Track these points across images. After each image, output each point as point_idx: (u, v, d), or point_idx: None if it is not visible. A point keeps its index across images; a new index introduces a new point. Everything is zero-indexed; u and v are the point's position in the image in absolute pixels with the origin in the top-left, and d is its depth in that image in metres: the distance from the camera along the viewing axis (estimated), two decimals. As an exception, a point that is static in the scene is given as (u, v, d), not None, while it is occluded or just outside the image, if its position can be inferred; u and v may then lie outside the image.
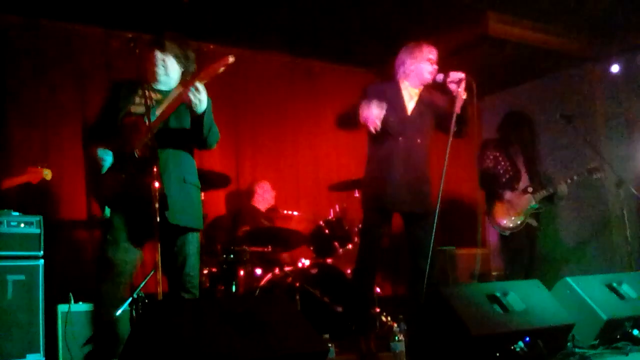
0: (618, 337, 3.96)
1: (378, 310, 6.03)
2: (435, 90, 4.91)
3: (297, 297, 5.38)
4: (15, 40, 6.19)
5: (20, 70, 6.12)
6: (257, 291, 5.50)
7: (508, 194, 5.68)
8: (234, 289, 5.71)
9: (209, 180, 5.92)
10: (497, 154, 5.74)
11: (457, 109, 4.51)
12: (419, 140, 4.78)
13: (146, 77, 3.91)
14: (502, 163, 5.70)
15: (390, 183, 4.69)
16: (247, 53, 7.53)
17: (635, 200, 5.99)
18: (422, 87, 4.87)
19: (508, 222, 5.65)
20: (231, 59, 3.78)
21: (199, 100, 3.70)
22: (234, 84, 7.41)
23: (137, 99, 3.83)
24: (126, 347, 2.98)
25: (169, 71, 3.91)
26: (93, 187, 3.89)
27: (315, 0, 6.43)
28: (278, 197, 7.03)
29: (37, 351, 4.53)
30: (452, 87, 4.61)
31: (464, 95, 4.56)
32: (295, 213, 6.76)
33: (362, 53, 7.88)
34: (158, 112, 3.75)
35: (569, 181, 5.66)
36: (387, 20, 6.89)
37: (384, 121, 4.70)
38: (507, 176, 5.71)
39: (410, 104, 4.83)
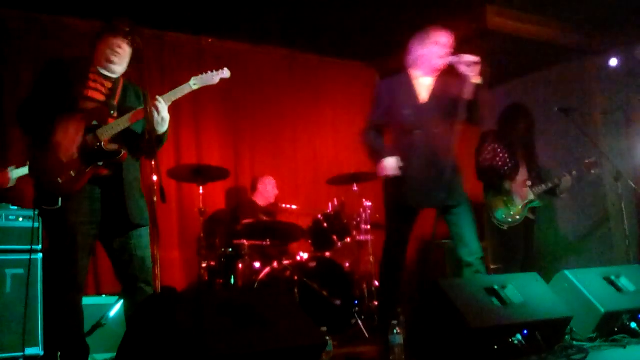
0: (616, 329, 3.97)
1: (376, 303, 6.04)
2: (452, 76, 4.64)
3: (296, 290, 5.38)
4: (14, 35, 6.18)
5: (18, 64, 6.10)
6: (256, 284, 5.51)
7: (507, 188, 5.67)
8: (232, 282, 5.72)
9: (207, 174, 5.92)
10: (496, 147, 5.71)
11: (467, 94, 4.33)
12: (437, 131, 4.55)
13: (97, 61, 3.80)
14: (501, 155, 5.67)
15: (409, 180, 4.54)
16: (246, 47, 7.54)
17: (634, 194, 6.00)
18: (436, 75, 4.68)
19: (507, 216, 5.64)
20: (227, 74, 3.82)
21: (163, 120, 3.71)
22: (232, 77, 7.27)
23: (92, 84, 3.73)
24: (124, 340, 2.98)
25: (123, 59, 3.81)
26: (44, 170, 3.60)
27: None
28: (277, 193, 7.02)
29: (36, 345, 4.52)
30: (464, 70, 4.42)
31: (476, 80, 4.37)
32: (294, 207, 6.77)
33: (361, 47, 7.88)
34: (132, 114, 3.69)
35: (574, 173, 5.64)
36: (385, 14, 6.88)
37: (399, 115, 4.61)
38: (506, 169, 5.70)
39: (423, 94, 4.65)
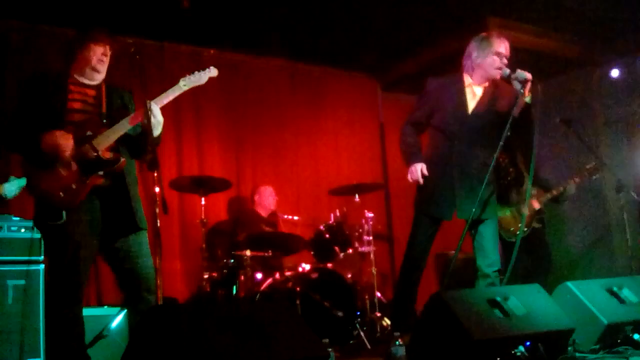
0: (619, 341, 3.95)
1: (379, 314, 6.04)
2: (504, 85, 4.53)
3: (298, 301, 5.37)
4: (16, 45, 6.20)
5: (20, 75, 6.10)
6: (258, 296, 5.50)
7: (513, 199, 5.63)
8: (234, 293, 5.71)
9: (209, 185, 5.93)
10: (499, 156, 5.68)
11: (516, 111, 4.23)
12: (477, 144, 4.48)
13: (78, 70, 3.80)
14: (504, 165, 5.63)
15: (438, 191, 4.47)
16: (248, 58, 7.56)
17: (636, 205, 5.99)
18: (487, 84, 4.54)
19: (516, 228, 5.60)
20: (214, 72, 3.84)
21: (158, 123, 3.70)
22: (234, 88, 7.42)
23: (74, 95, 3.73)
24: (126, 352, 2.97)
25: (106, 65, 3.82)
26: (44, 187, 3.59)
27: (316, 5, 6.44)
28: (278, 202, 7.02)
29: (37, 356, 4.51)
30: (516, 86, 4.30)
31: (526, 98, 4.25)
32: (296, 218, 6.77)
33: (363, 58, 7.89)
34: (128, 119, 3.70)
35: (577, 180, 5.61)
36: (387, 25, 6.90)
37: (442, 120, 4.50)
38: (509, 178, 5.66)
39: (471, 103, 4.50)
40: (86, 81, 3.81)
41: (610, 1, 6.50)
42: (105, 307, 5.41)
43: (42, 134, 3.58)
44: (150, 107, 3.60)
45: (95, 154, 3.62)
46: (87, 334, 4.05)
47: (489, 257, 4.46)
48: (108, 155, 3.66)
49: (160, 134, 3.82)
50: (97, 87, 3.83)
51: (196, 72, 3.86)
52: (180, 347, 2.69)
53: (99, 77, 3.83)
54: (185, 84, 3.82)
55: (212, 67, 3.90)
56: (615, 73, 7.38)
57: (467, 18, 6.75)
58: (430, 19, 6.75)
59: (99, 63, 3.77)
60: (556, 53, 7.38)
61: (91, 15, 6.12)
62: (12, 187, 4.83)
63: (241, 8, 6.39)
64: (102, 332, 5.01)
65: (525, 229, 5.57)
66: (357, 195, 6.55)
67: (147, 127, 3.57)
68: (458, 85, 4.55)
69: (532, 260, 5.78)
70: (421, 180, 4.47)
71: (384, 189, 8.12)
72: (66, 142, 3.59)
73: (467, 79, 4.56)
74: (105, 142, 3.65)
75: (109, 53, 3.82)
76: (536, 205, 5.62)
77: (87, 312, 4.65)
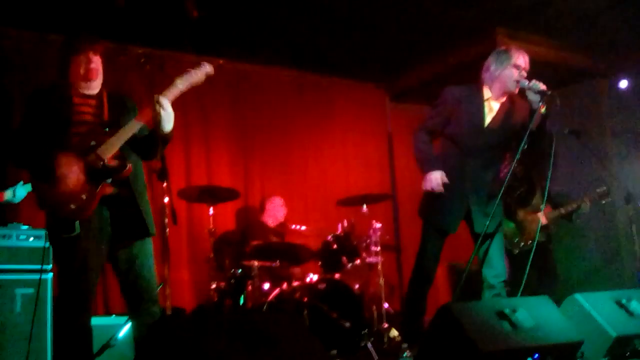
0: (627, 354, 3.93)
1: (387, 325, 6.02)
2: (518, 100, 4.52)
3: (305, 312, 5.36)
4: (24, 54, 6.24)
5: (26, 84, 6.13)
6: (265, 306, 5.49)
7: (521, 212, 5.61)
8: (242, 303, 5.71)
9: (217, 195, 5.94)
10: (512, 168, 5.66)
11: (534, 125, 4.20)
12: (491, 158, 4.50)
13: (75, 83, 3.79)
14: (517, 178, 5.60)
15: (452, 203, 4.46)
16: (256, 68, 7.58)
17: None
18: (505, 98, 4.53)
19: (520, 240, 5.58)
20: (210, 69, 3.83)
21: (169, 116, 3.69)
22: (242, 98, 7.44)
23: (78, 107, 3.74)
24: (134, 362, 2.98)
25: (98, 72, 3.80)
26: (54, 201, 3.61)
27: (324, 15, 6.46)
28: (287, 212, 7.02)
29: (45, 365, 4.52)
30: (532, 98, 4.28)
31: (542, 110, 4.21)
32: (304, 228, 6.76)
33: (371, 68, 7.91)
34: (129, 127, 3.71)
35: (587, 201, 5.60)
36: (395, 36, 6.92)
37: (458, 132, 4.48)
38: (521, 190, 5.64)
39: (487, 118, 4.48)
40: (86, 92, 3.81)
41: (619, 12, 6.50)
42: (113, 316, 5.41)
43: (55, 149, 3.59)
44: (159, 100, 3.62)
45: (102, 162, 3.63)
46: (94, 344, 4.05)
47: (495, 268, 4.45)
48: (114, 163, 3.67)
49: (172, 129, 3.79)
50: (97, 96, 3.83)
51: (192, 70, 3.84)
52: (187, 358, 2.69)
53: (95, 85, 3.83)
54: (181, 82, 3.79)
55: (205, 63, 3.87)
56: (624, 84, 7.38)
57: (475, 28, 6.76)
58: (438, 30, 6.76)
59: (88, 72, 3.76)
60: (564, 64, 7.37)
61: (100, 24, 6.16)
62: (21, 191, 4.86)
63: (249, 18, 6.42)
64: (109, 342, 5.01)
65: (530, 242, 5.55)
66: (364, 206, 6.55)
67: (156, 122, 3.58)
68: (477, 98, 4.51)
69: (538, 274, 5.75)
70: (441, 189, 4.40)
71: (391, 199, 8.12)
72: (77, 159, 3.60)
73: (486, 93, 4.52)
74: (110, 150, 3.65)
75: (94, 58, 3.79)
76: (544, 221, 5.59)
77: (94, 321, 4.64)
